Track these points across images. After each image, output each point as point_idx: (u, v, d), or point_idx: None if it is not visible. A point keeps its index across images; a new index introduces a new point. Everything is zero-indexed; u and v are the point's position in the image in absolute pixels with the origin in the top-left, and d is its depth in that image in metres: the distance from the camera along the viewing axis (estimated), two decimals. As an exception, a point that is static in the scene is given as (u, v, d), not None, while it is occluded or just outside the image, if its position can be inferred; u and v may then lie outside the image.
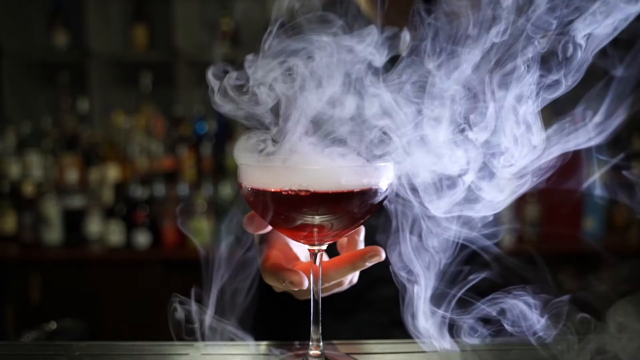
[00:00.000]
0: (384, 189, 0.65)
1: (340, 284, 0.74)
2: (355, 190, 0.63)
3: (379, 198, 0.65)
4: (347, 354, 0.72)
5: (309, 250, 0.70)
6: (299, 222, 0.65)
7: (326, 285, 0.71)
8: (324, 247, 0.70)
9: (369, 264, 0.68)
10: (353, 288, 1.11)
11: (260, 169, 0.66)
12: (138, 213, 2.72)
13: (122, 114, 2.95)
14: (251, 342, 0.73)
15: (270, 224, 0.70)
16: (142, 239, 2.72)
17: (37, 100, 3.15)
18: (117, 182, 2.82)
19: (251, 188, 0.66)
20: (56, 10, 3.02)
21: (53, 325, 1.49)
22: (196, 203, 2.76)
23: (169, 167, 2.85)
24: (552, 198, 2.76)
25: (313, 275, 0.70)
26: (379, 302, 1.11)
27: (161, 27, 3.03)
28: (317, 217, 0.64)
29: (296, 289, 0.67)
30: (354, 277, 0.76)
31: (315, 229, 0.66)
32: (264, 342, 0.74)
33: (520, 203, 2.79)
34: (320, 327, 0.69)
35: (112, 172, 2.81)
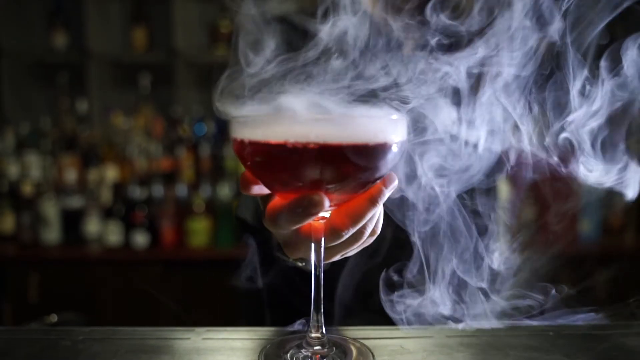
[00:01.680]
0: (400, 145, 0.59)
1: (360, 233, 0.65)
2: (370, 144, 0.55)
3: (395, 155, 0.59)
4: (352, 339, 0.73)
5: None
6: (301, 182, 0.57)
7: (345, 236, 0.62)
8: (327, 214, 0.62)
9: (388, 193, 0.62)
10: (359, 290, 1.12)
11: (258, 117, 0.57)
12: (136, 213, 2.73)
13: (121, 114, 2.96)
14: (251, 327, 0.74)
15: (266, 184, 0.62)
16: (141, 239, 2.72)
17: (36, 100, 3.16)
18: (115, 182, 2.83)
19: (246, 141, 0.57)
20: (56, 11, 3.03)
21: (54, 318, 1.50)
22: (194, 204, 2.77)
23: (167, 167, 2.86)
24: (548, 200, 2.78)
25: (313, 240, 0.63)
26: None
27: (160, 28, 3.05)
28: (325, 175, 0.56)
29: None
30: (377, 225, 0.67)
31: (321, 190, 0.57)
32: (264, 327, 0.75)
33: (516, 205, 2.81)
34: (321, 309, 0.65)
35: (111, 173, 2.82)
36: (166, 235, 2.76)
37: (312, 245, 0.63)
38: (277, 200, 0.62)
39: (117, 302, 2.68)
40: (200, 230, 2.76)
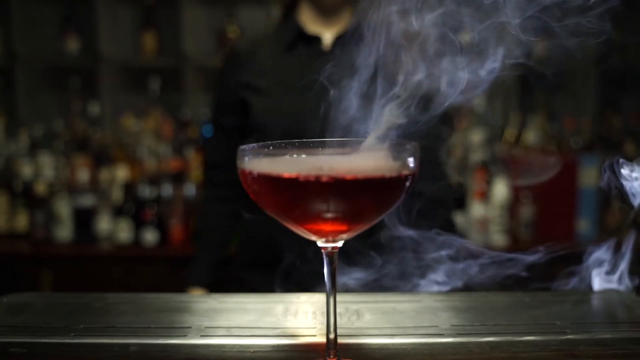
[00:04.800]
0: (414, 173, 0.58)
1: None
2: (386, 175, 0.55)
3: (410, 183, 0.58)
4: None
5: (322, 249, 0.61)
6: (314, 214, 0.56)
7: None
8: (340, 244, 0.61)
9: None
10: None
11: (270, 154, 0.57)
12: (146, 212, 2.82)
13: (132, 117, 3.07)
14: (261, 293, 0.83)
15: (277, 216, 0.61)
16: (150, 236, 2.81)
17: (49, 103, 3.27)
18: (126, 182, 2.92)
19: (258, 174, 0.56)
20: (68, 17, 3.15)
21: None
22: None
23: (176, 168, 2.96)
24: (547, 199, 2.86)
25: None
26: None
27: (169, 33, 3.15)
28: (339, 206, 0.55)
29: None
30: None
31: (334, 222, 0.57)
32: (273, 293, 0.84)
33: (514, 204, 2.89)
34: None
35: (122, 173, 2.92)
36: (175, 233, 2.85)
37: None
38: None
39: (127, 298, 2.76)
40: (207, 228, 2.84)
